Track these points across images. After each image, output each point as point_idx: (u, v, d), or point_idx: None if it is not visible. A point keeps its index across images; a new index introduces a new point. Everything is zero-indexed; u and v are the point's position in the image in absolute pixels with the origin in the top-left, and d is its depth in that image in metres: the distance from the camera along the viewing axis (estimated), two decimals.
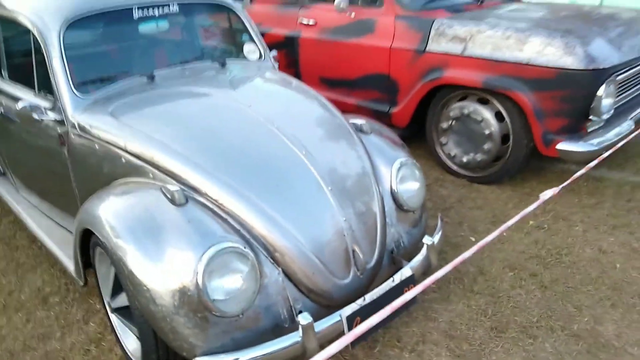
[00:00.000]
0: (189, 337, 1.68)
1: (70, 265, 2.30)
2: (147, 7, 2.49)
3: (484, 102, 3.30)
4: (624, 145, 3.00)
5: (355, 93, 3.93)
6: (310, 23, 4.13)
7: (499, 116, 3.23)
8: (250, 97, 2.34)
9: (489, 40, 3.13)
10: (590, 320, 2.19)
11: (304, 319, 1.71)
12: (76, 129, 2.17)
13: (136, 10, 2.46)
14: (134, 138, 2.00)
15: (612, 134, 3.03)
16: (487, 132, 3.26)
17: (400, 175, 2.23)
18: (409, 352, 2.06)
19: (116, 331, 2.13)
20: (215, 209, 1.83)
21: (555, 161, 3.61)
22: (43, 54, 2.29)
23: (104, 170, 2.11)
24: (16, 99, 2.50)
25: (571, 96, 2.90)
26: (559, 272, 2.50)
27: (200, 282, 1.63)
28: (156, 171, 1.94)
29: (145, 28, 2.55)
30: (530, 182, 3.43)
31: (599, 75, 2.85)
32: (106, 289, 2.11)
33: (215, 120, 2.14)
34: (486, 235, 1.98)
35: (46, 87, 2.34)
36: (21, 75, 2.75)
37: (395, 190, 2.20)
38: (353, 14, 3.83)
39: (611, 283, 2.42)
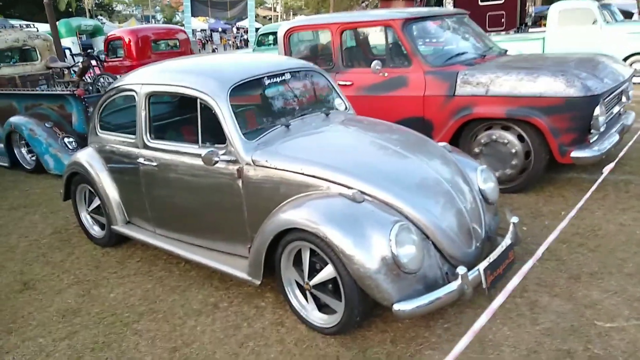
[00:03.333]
0: (388, 289, 2.39)
1: (239, 274, 2.96)
2: (271, 75, 3.33)
3: (505, 128, 4.27)
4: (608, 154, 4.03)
5: None
6: (347, 84, 5.07)
7: (520, 138, 4.20)
8: (366, 130, 3.19)
9: (507, 83, 4.15)
10: (633, 265, 3.05)
11: (461, 270, 2.46)
12: (251, 164, 2.90)
13: (265, 78, 3.30)
14: (308, 164, 2.75)
15: (607, 143, 4.05)
16: (512, 150, 4.21)
17: (483, 177, 3.09)
18: (519, 297, 2.84)
19: (299, 313, 2.79)
20: (380, 204, 2.61)
21: (562, 172, 4.61)
22: (207, 115, 3.04)
23: (280, 191, 2.82)
24: (174, 153, 3.22)
25: (577, 116, 3.92)
26: (598, 241, 3.38)
27: (394, 249, 2.37)
28: (330, 184, 2.69)
29: (271, 91, 3.38)
30: (549, 188, 4.38)
31: (594, 99, 3.89)
32: (288, 279, 2.79)
33: (357, 145, 2.99)
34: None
35: (209, 139, 3.08)
36: (171, 134, 3.49)
37: (483, 189, 3.05)
38: (386, 74, 4.80)
39: (638, 242, 3.31)
